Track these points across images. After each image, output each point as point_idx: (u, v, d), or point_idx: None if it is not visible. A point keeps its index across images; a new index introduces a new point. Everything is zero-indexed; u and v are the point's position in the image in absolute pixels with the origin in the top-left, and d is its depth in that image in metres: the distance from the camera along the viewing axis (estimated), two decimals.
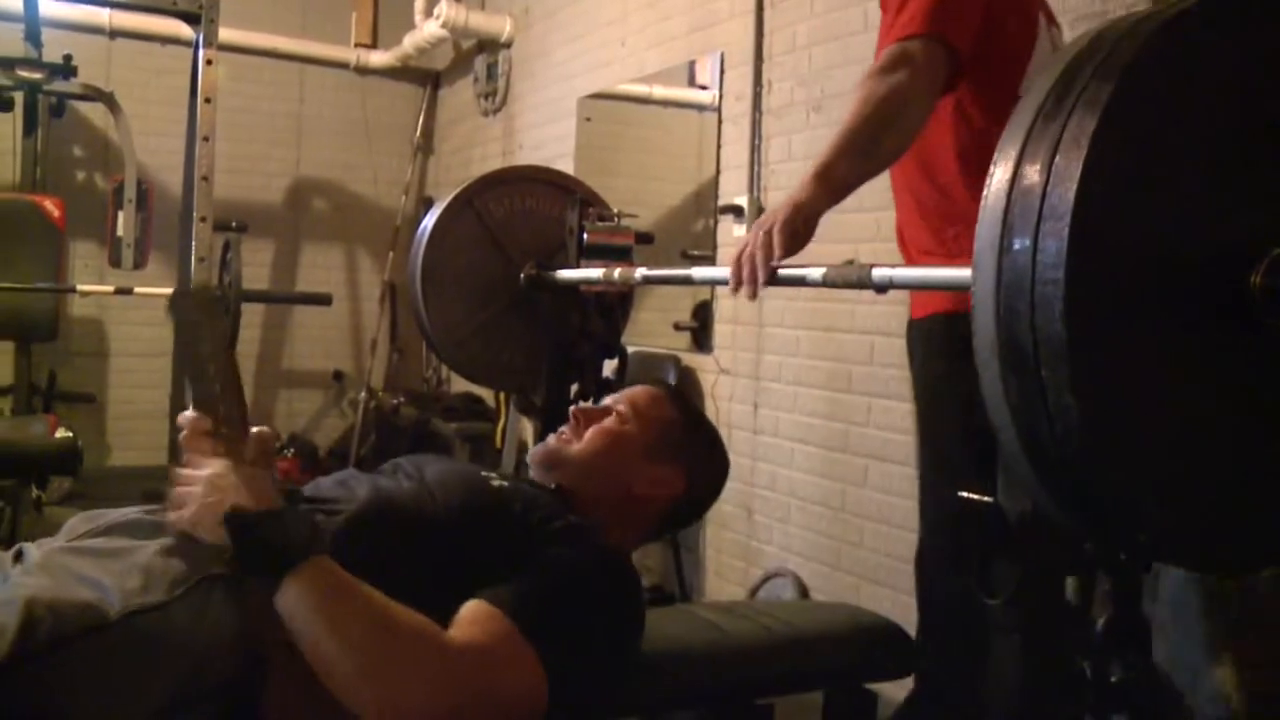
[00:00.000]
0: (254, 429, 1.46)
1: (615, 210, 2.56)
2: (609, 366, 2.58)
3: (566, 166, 4.41)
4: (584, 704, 1.43)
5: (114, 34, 5.63)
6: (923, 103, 1.91)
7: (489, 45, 5.75)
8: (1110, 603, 1.21)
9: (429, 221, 2.83)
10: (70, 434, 2.88)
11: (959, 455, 2.01)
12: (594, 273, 2.38)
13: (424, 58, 6.20)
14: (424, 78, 6.55)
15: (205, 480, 1.35)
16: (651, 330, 4.07)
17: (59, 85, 5.05)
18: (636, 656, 1.55)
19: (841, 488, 3.22)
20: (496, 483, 1.61)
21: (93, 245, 5.58)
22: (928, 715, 2.28)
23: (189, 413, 1.47)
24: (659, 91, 4.50)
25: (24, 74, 4.91)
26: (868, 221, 3.00)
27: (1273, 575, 2.02)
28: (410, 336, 6.26)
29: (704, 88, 4.10)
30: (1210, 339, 1.05)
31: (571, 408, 1.86)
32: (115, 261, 5.02)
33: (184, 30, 4.88)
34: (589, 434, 1.77)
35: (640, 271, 2.25)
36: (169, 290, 4.84)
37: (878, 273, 1.51)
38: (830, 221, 1.85)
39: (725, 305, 3.82)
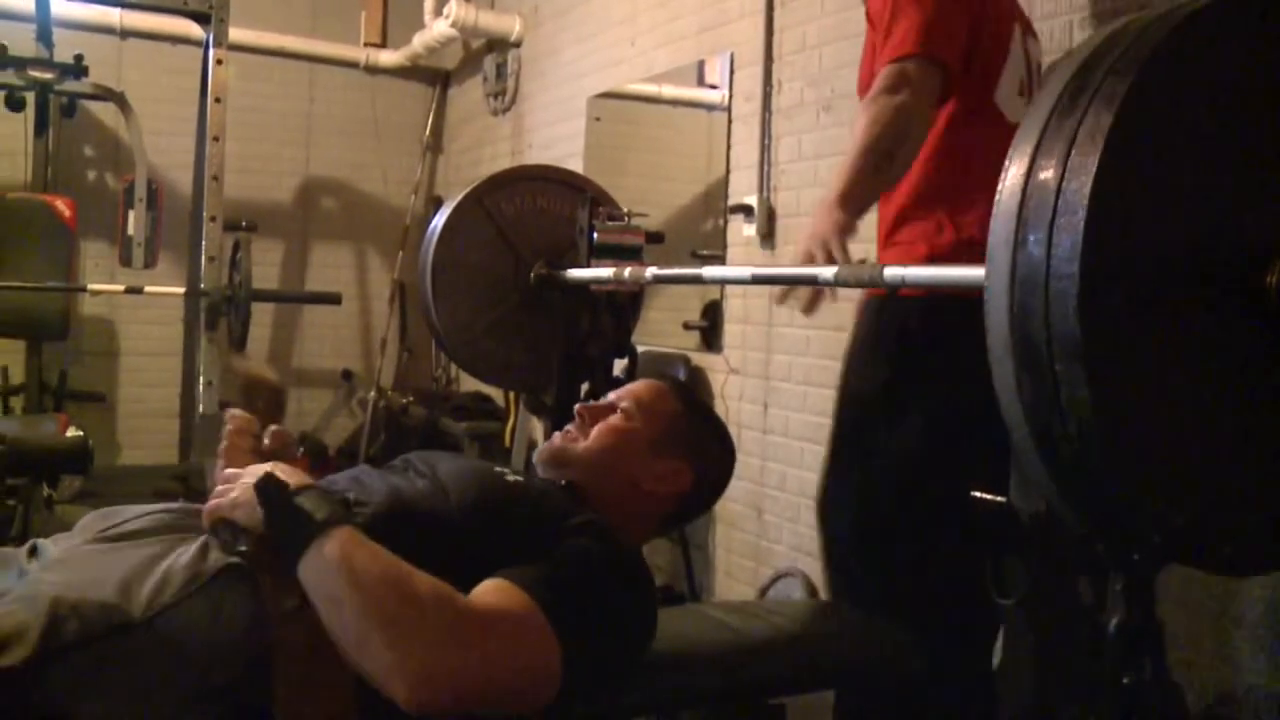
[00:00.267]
0: (270, 427, 1.52)
1: (625, 210, 2.56)
2: (619, 366, 2.57)
3: (576, 166, 4.41)
4: (596, 690, 1.43)
5: (125, 34, 5.65)
6: (923, 119, 2.02)
7: (498, 44, 5.75)
8: (1123, 603, 1.21)
9: (439, 221, 2.82)
10: (81, 433, 2.88)
11: (870, 398, 2.20)
12: (604, 272, 2.37)
13: (433, 57, 6.20)
14: (433, 77, 6.55)
15: (250, 473, 1.39)
16: (661, 330, 4.07)
17: (70, 85, 5.06)
18: (648, 655, 1.55)
19: None
20: (511, 478, 1.61)
21: (103, 244, 5.60)
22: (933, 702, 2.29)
23: (235, 411, 1.55)
24: (668, 91, 4.50)
25: (35, 74, 4.92)
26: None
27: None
28: (419, 336, 6.27)
29: (714, 87, 4.10)
30: (1225, 337, 1.04)
31: (576, 405, 1.86)
32: (126, 261, 5.04)
33: (194, 30, 4.90)
34: (595, 431, 1.77)
35: (650, 271, 2.24)
36: (180, 289, 4.86)
37: (889, 272, 1.51)
38: None
39: (735, 305, 3.82)
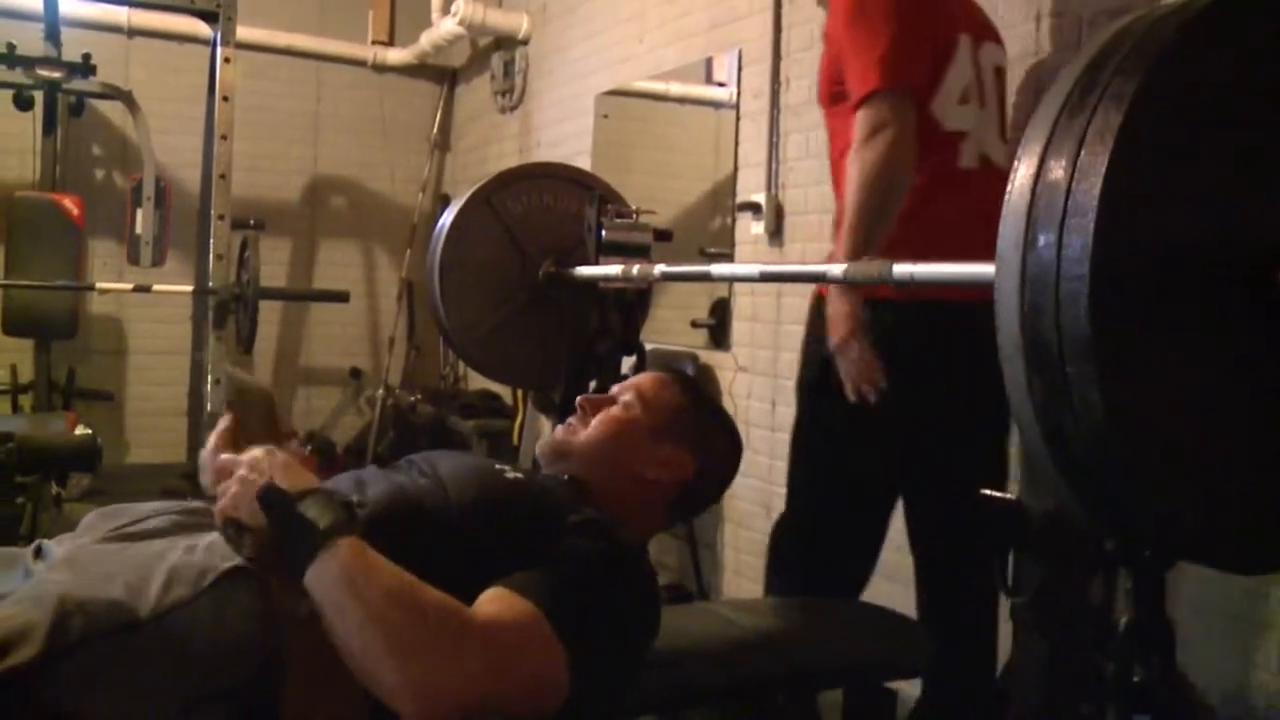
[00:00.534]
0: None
1: (633, 207, 2.56)
2: (627, 363, 2.57)
3: (584, 163, 4.41)
4: (603, 694, 1.42)
5: (132, 33, 5.66)
6: (908, 151, 2.11)
7: (506, 42, 5.75)
8: (1133, 602, 1.20)
9: (446, 219, 2.83)
10: (89, 431, 2.89)
11: (815, 422, 2.37)
12: (612, 269, 2.37)
13: (441, 55, 6.20)
14: (441, 75, 6.55)
15: (246, 463, 1.37)
16: (669, 328, 4.06)
17: (78, 84, 5.07)
18: (653, 653, 1.55)
19: None
20: (511, 475, 1.60)
21: (112, 243, 5.60)
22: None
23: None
24: (676, 88, 4.49)
25: (43, 73, 4.93)
26: None
27: None
28: (427, 334, 6.27)
29: (722, 84, 4.09)
30: (1236, 335, 1.04)
31: (578, 398, 1.85)
32: (134, 259, 5.05)
33: (202, 29, 4.90)
34: (594, 421, 1.77)
35: (659, 268, 2.24)
36: (188, 288, 4.87)
37: (899, 269, 1.50)
38: None
39: (743, 303, 3.81)
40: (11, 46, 4.83)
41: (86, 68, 5.02)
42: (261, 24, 5.66)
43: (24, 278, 4.68)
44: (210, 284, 4.45)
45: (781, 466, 3.57)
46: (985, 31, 2.38)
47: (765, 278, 1.88)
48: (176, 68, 5.70)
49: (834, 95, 2.31)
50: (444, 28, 5.69)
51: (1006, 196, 1.04)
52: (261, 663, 1.28)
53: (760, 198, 3.64)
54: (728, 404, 3.75)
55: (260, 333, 4.46)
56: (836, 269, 1.64)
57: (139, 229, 5.00)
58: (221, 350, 4.42)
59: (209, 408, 4.47)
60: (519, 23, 5.56)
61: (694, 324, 4.02)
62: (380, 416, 6.16)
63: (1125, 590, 1.21)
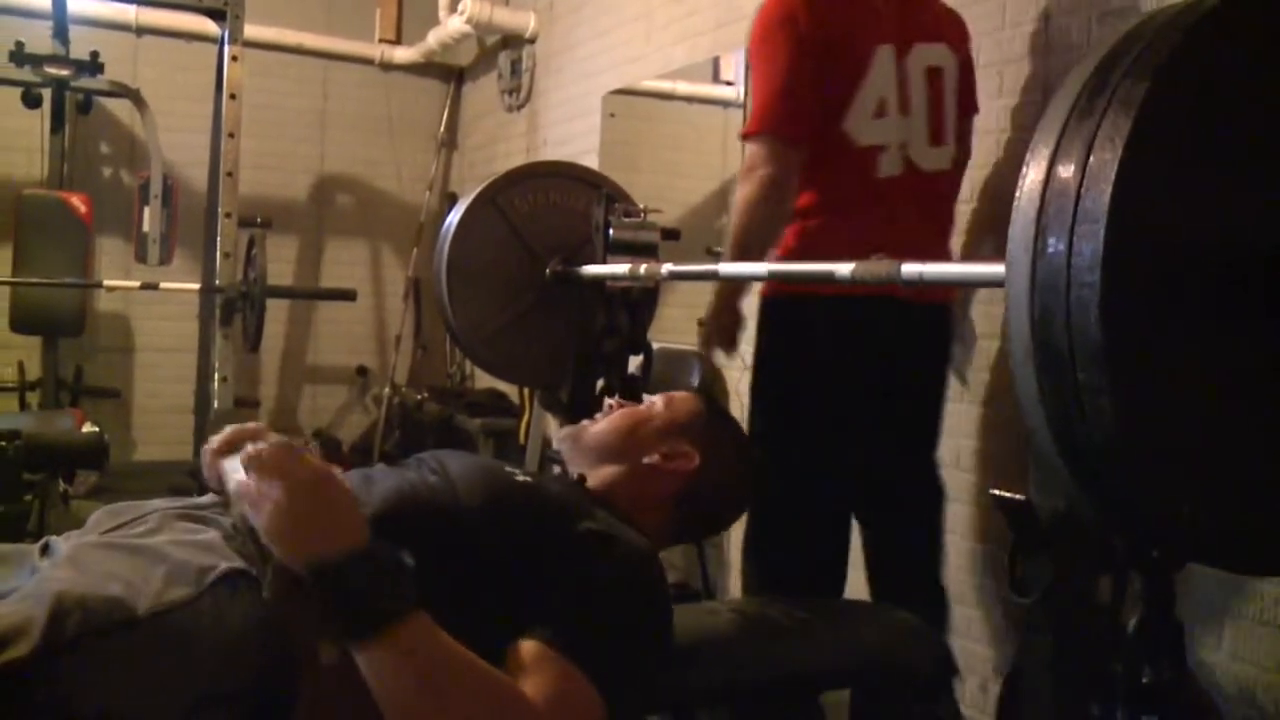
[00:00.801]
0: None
1: (641, 206, 2.55)
2: (634, 363, 2.57)
3: (591, 162, 4.40)
4: (626, 712, 1.45)
5: (140, 31, 5.67)
6: (780, 190, 2.33)
7: (513, 41, 5.75)
8: (1142, 603, 1.20)
9: (453, 218, 2.82)
10: (97, 429, 2.89)
11: (764, 421, 2.49)
12: (620, 268, 2.37)
13: (448, 53, 6.21)
14: (448, 73, 6.56)
15: (274, 474, 1.25)
16: (676, 326, 4.05)
17: (86, 82, 5.08)
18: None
19: None
20: (521, 478, 1.60)
21: (119, 241, 5.61)
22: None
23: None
24: (683, 87, 4.49)
25: (51, 71, 4.94)
26: None
27: None
28: (434, 332, 6.27)
29: (729, 83, 4.09)
30: (1248, 338, 1.03)
31: (610, 399, 1.92)
32: (141, 257, 5.06)
33: (209, 27, 4.91)
34: (612, 414, 1.84)
35: (666, 267, 2.24)
36: (195, 286, 4.87)
37: (907, 269, 1.50)
38: None
39: (752, 301, 3.80)
40: (20, 45, 4.84)
41: (94, 66, 5.02)
42: (269, 22, 5.67)
43: (32, 275, 4.68)
44: (217, 282, 4.46)
45: None
46: (920, 34, 2.43)
47: (774, 276, 1.87)
48: (184, 66, 5.70)
49: None
50: (451, 26, 5.69)
51: (1015, 200, 1.04)
52: (265, 666, 1.28)
53: None
54: (734, 404, 3.74)
55: (267, 331, 4.46)
56: (844, 268, 1.63)
57: (146, 227, 5.01)
58: (229, 349, 4.43)
59: (216, 405, 4.47)
60: (526, 21, 5.56)
61: (701, 323, 4.01)
62: (386, 415, 6.17)
63: (1134, 591, 1.20)
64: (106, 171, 5.84)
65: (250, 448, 1.29)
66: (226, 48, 4.55)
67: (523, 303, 2.80)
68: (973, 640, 2.81)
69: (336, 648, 1.20)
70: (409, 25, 6.24)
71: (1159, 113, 0.97)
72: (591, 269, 2.54)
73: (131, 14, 5.55)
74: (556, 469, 1.96)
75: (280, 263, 5.88)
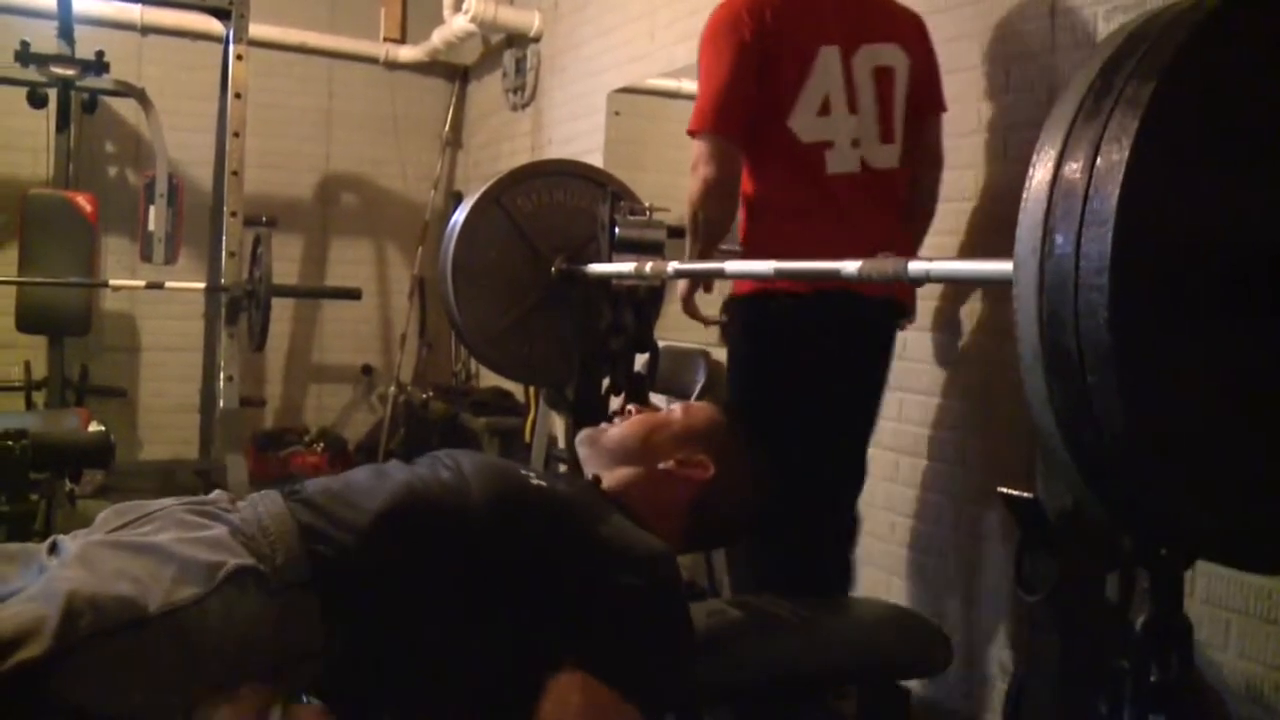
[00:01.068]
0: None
1: (646, 204, 2.55)
2: (640, 361, 2.57)
3: (596, 161, 4.39)
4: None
5: (145, 30, 5.66)
6: (722, 184, 2.47)
7: (518, 40, 5.75)
8: (1150, 601, 1.20)
9: (458, 217, 2.82)
10: (103, 428, 2.89)
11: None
12: (625, 267, 2.37)
13: (452, 52, 6.20)
14: (453, 72, 6.55)
15: None
16: (681, 325, 4.04)
17: (91, 81, 5.08)
18: None
19: (871, 482, 3.19)
20: (535, 481, 1.60)
21: (125, 240, 5.61)
22: None
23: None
24: (688, 86, 4.48)
25: (57, 70, 4.94)
26: None
27: None
28: (439, 331, 6.27)
29: None
30: (1258, 338, 1.03)
31: (630, 404, 1.97)
32: (147, 256, 5.06)
33: (215, 26, 4.91)
34: (636, 416, 1.87)
35: (672, 265, 2.24)
36: (201, 285, 4.88)
37: (914, 266, 1.49)
38: None
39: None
40: (25, 44, 4.84)
41: (100, 65, 5.02)
42: (274, 21, 5.67)
43: (38, 275, 4.69)
44: (223, 281, 4.47)
45: None
46: (871, 34, 2.52)
47: (780, 275, 1.86)
48: (189, 65, 5.70)
49: None
50: (455, 25, 5.69)
51: (1022, 201, 1.04)
52: (272, 664, 1.28)
53: None
54: None
55: (272, 330, 4.46)
56: (851, 265, 1.63)
57: (152, 226, 5.01)
58: (235, 348, 4.43)
59: (221, 404, 4.48)
60: (530, 20, 5.55)
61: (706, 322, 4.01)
62: (392, 414, 6.17)
63: (1142, 589, 1.20)
64: (112, 171, 5.85)
65: None
66: (231, 47, 4.55)
67: (528, 302, 2.80)
68: (978, 638, 2.80)
69: None
70: (413, 24, 6.24)
71: (1165, 113, 0.96)
72: (597, 267, 2.54)
73: (136, 13, 5.55)
74: (562, 467, 1.96)
75: (285, 262, 5.89)
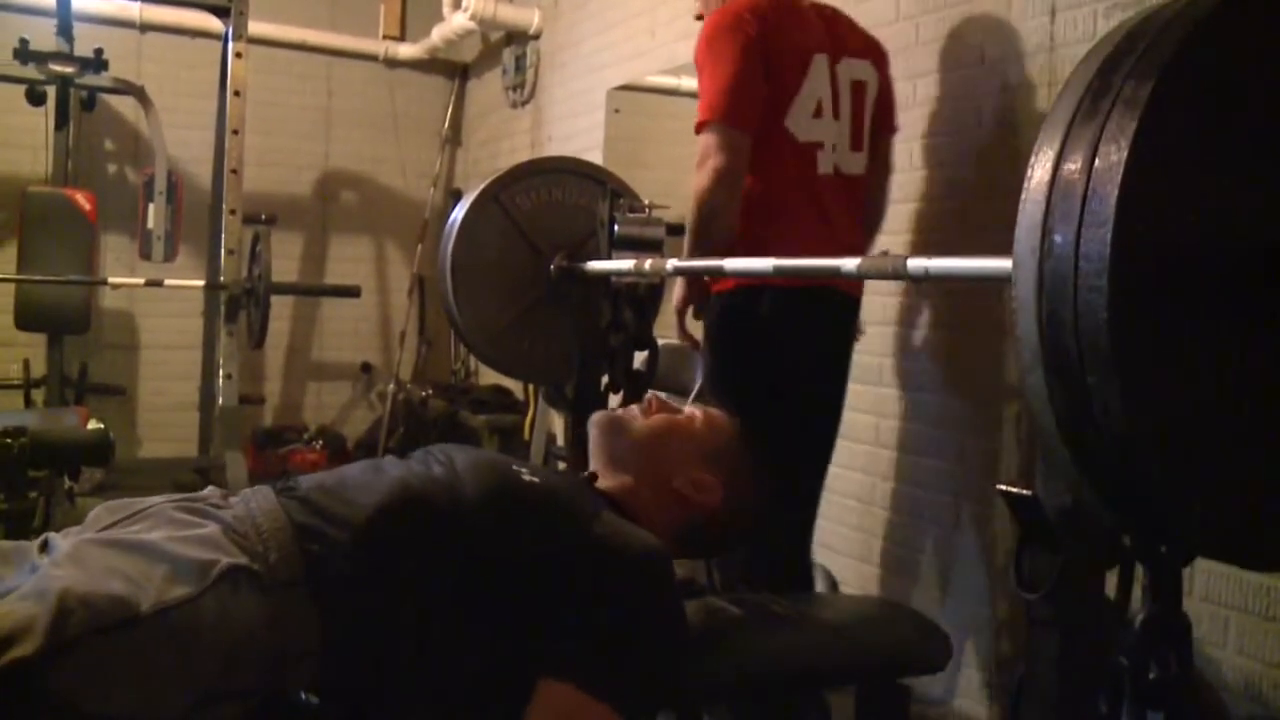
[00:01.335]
0: None
1: (646, 202, 2.55)
2: (639, 358, 2.56)
3: (595, 158, 4.40)
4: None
5: (144, 28, 5.65)
6: (732, 177, 2.45)
7: (517, 37, 5.75)
8: (1149, 598, 1.20)
9: (457, 215, 2.82)
10: (102, 426, 2.89)
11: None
12: (625, 264, 2.36)
13: (452, 50, 6.20)
14: (452, 70, 6.55)
15: None
16: None
17: (90, 79, 5.08)
18: None
19: (871, 481, 3.20)
20: (528, 477, 1.59)
21: (124, 238, 5.61)
22: None
23: None
24: (688, 83, 4.47)
25: (56, 68, 4.94)
26: (903, 213, 2.98)
27: None
28: (438, 328, 6.28)
29: None
30: (1258, 337, 1.03)
31: (651, 393, 1.90)
32: (146, 254, 5.06)
33: (214, 24, 4.91)
34: (657, 416, 1.81)
35: (671, 263, 2.24)
36: (200, 283, 4.87)
37: (913, 264, 1.49)
38: None
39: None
40: (24, 42, 4.84)
41: (98, 63, 5.02)
42: (273, 19, 5.66)
43: (37, 272, 4.69)
44: (222, 279, 4.47)
45: None
46: (849, 48, 2.64)
47: (780, 272, 1.86)
48: (188, 63, 5.71)
49: None
50: (455, 22, 5.69)
51: (1021, 201, 1.03)
52: (268, 664, 1.28)
53: None
54: None
55: (271, 328, 4.46)
56: (850, 263, 1.63)
57: (151, 224, 5.01)
58: (234, 345, 4.43)
59: (220, 402, 4.48)
60: (530, 17, 5.55)
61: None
62: (391, 411, 6.17)
63: (1142, 586, 1.20)
64: (111, 168, 5.85)
65: None
66: (231, 44, 4.55)
67: (527, 299, 2.80)
68: (977, 635, 2.80)
69: None
70: (413, 22, 6.24)
71: (1164, 112, 0.96)
72: (596, 265, 2.54)
73: (135, 11, 5.54)
74: (561, 465, 1.95)
75: (285, 259, 5.89)
